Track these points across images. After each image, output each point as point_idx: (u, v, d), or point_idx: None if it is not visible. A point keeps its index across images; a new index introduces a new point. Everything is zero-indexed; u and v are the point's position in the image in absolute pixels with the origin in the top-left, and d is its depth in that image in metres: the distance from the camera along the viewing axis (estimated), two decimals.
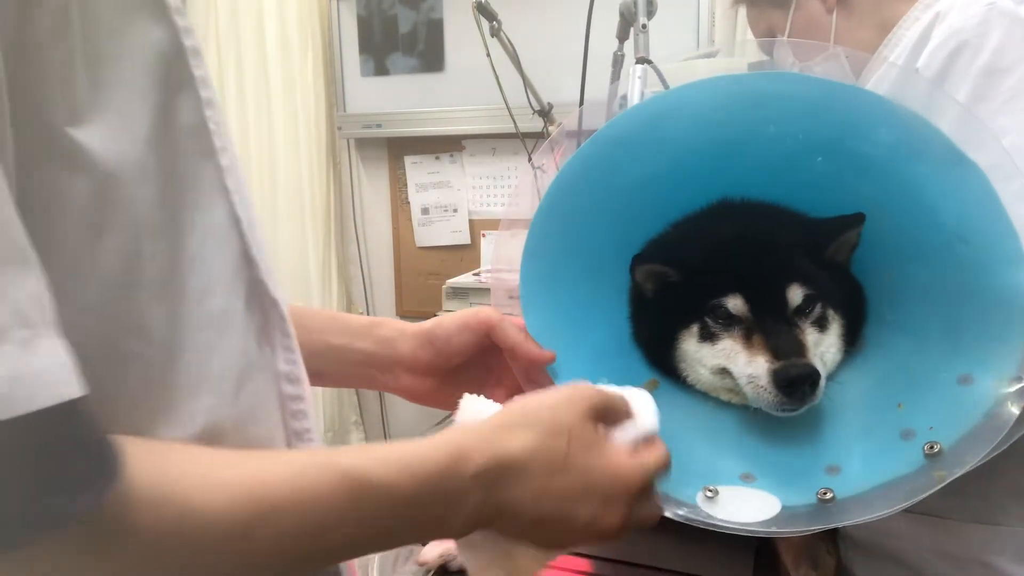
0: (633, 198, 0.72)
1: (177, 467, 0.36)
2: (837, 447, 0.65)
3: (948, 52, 0.70)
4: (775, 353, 0.63)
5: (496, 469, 0.45)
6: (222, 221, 0.40)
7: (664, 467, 0.53)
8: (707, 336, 0.69)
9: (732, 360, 0.67)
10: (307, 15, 2.66)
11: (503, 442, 0.46)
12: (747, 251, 0.70)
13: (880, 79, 0.77)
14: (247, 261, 0.42)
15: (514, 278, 0.70)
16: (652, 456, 0.52)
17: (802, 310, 0.68)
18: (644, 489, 0.51)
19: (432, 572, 0.76)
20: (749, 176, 0.71)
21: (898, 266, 0.70)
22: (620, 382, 0.72)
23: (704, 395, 0.72)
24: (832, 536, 0.85)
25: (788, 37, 0.92)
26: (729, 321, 0.68)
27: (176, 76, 0.38)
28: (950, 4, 0.74)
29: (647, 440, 0.54)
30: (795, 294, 0.67)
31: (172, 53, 0.38)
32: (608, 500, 0.48)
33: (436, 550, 0.76)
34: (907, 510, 0.79)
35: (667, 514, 0.59)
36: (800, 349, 0.64)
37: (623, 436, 0.53)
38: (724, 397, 0.71)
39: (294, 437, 0.46)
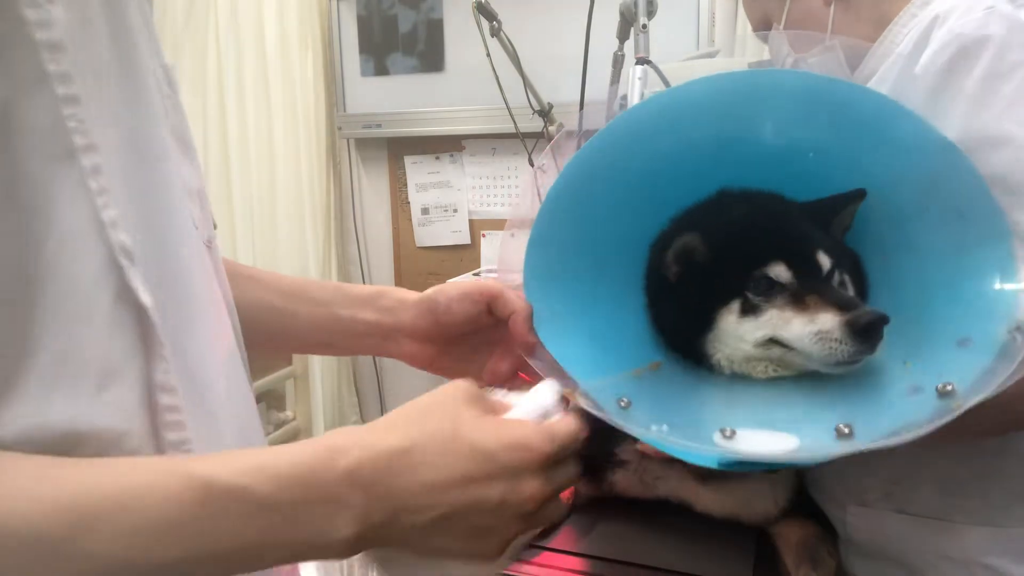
0: (632, 194, 0.72)
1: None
2: (852, 406, 0.66)
3: (948, 57, 0.70)
4: (840, 307, 0.64)
5: (373, 463, 0.41)
6: (83, 225, 0.38)
7: (575, 436, 0.49)
8: (749, 310, 0.69)
9: (783, 328, 0.67)
10: (307, 15, 2.66)
11: (378, 437, 0.43)
12: (772, 223, 0.71)
13: (881, 78, 0.77)
14: (114, 265, 0.40)
15: (516, 278, 0.70)
16: (561, 424, 0.49)
17: (828, 277, 0.69)
18: (556, 454, 0.47)
19: None
20: (743, 171, 0.72)
21: (891, 246, 0.71)
22: (622, 364, 0.72)
23: (712, 374, 0.73)
24: (832, 537, 0.85)
25: (784, 26, 0.91)
26: (771, 291, 0.68)
27: (20, 72, 0.36)
28: (949, 7, 0.74)
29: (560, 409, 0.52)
30: (825, 260, 0.68)
31: (15, 48, 0.36)
32: (517, 472, 0.44)
33: None
34: (907, 512, 0.79)
35: (688, 449, 0.56)
36: (858, 301, 0.66)
37: (523, 411, 0.50)
38: (751, 368, 0.71)
39: (170, 448, 0.43)
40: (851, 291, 0.71)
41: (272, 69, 2.67)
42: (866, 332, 0.63)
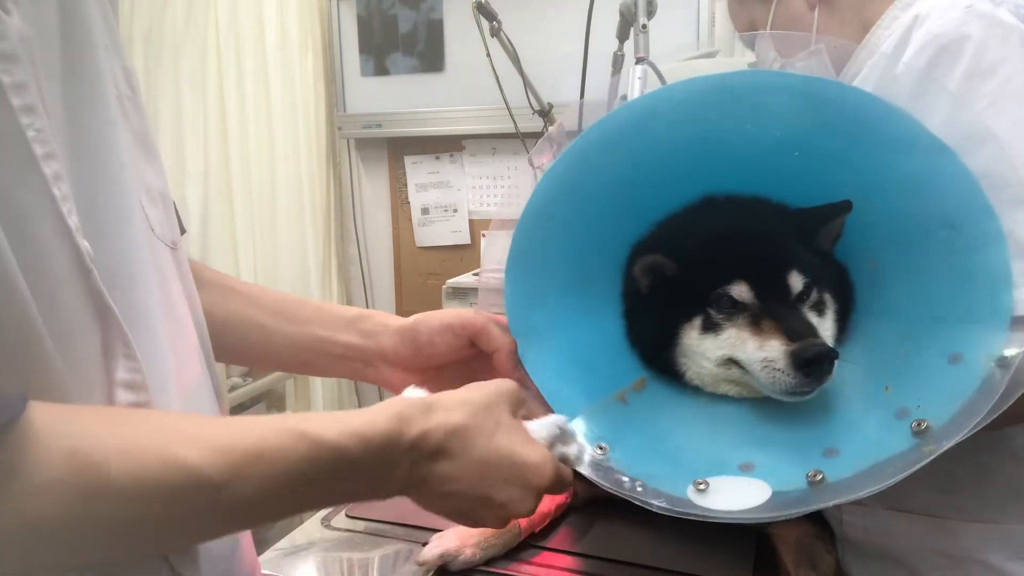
0: (612, 201, 0.72)
1: (139, 422, 0.39)
2: (833, 431, 0.66)
3: (928, 57, 0.70)
4: (789, 336, 0.64)
5: (426, 440, 0.49)
6: (49, 231, 0.39)
7: (568, 487, 0.58)
8: (710, 327, 0.69)
9: (739, 348, 0.67)
10: (307, 15, 2.66)
11: (437, 417, 0.50)
12: (744, 241, 0.70)
13: (864, 80, 0.77)
14: (82, 270, 0.40)
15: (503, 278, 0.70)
16: (567, 471, 0.58)
17: (802, 296, 0.68)
18: (553, 486, 0.55)
19: (432, 572, 0.75)
20: (728, 173, 0.72)
21: (881, 254, 0.70)
22: (608, 383, 0.72)
23: (697, 391, 0.72)
24: (831, 536, 0.85)
25: (770, 30, 0.91)
26: (733, 310, 0.68)
27: None
28: (929, 7, 0.74)
29: (564, 442, 0.58)
30: (796, 280, 0.67)
31: None
32: (526, 488, 0.53)
33: (436, 551, 0.76)
34: (903, 510, 0.80)
35: (655, 508, 0.59)
36: (812, 330, 0.65)
37: (539, 429, 0.57)
38: (723, 389, 0.71)
39: None
40: (829, 309, 0.70)
41: (272, 69, 2.67)
42: (810, 365, 0.62)
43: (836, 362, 0.63)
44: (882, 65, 0.75)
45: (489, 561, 0.77)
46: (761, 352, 0.65)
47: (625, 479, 0.62)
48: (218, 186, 2.78)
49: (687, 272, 0.71)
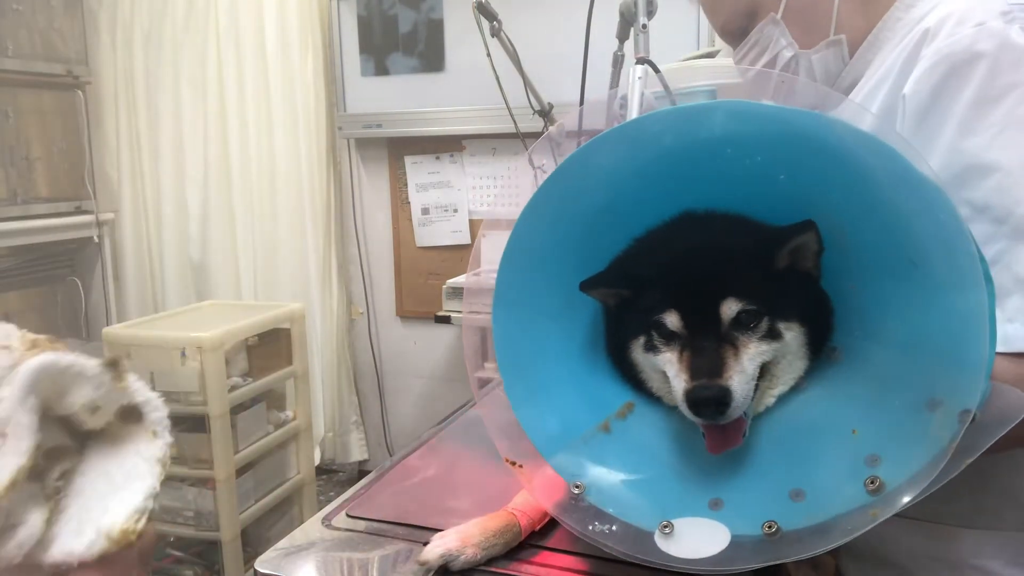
0: (596, 222, 0.72)
1: None
2: (804, 470, 0.65)
3: (937, 79, 0.68)
4: (691, 373, 0.64)
5: None
6: None
7: None
8: (651, 347, 0.70)
9: (669, 372, 0.68)
10: (307, 15, 2.66)
11: None
12: (689, 266, 0.70)
13: (870, 96, 0.75)
14: None
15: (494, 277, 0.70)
16: None
17: (743, 323, 0.67)
18: None
19: (432, 572, 0.75)
20: (716, 192, 0.70)
21: (859, 279, 0.68)
22: (598, 407, 0.73)
23: (675, 410, 0.72)
24: None
25: (782, 15, 0.85)
26: (668, 336, 0.69)
27: None
28: (939, 20, 0.71)
29: None
30: (729, 308, 0.66)
31: None
32: None
33: (437, 550, 0.76)
34: (901, 516, 0.80)
35: (617, 553, 0.62)
36: (717, 369, 0.64)
37: None
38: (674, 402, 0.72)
39: None
40: (790, 333, 0.68)
41: (272, 69, 2.67)
42: (699, 406, 0.63)
43: (735, 403, 0.63)
44: (889, 83, 0.74)
45: (490, 561, 0.77)
46: (675, 383, 0.66)
47: (594, 523, 0.64)
48: (218, 186, 2.78)
49: (638, 294, 0.71)
